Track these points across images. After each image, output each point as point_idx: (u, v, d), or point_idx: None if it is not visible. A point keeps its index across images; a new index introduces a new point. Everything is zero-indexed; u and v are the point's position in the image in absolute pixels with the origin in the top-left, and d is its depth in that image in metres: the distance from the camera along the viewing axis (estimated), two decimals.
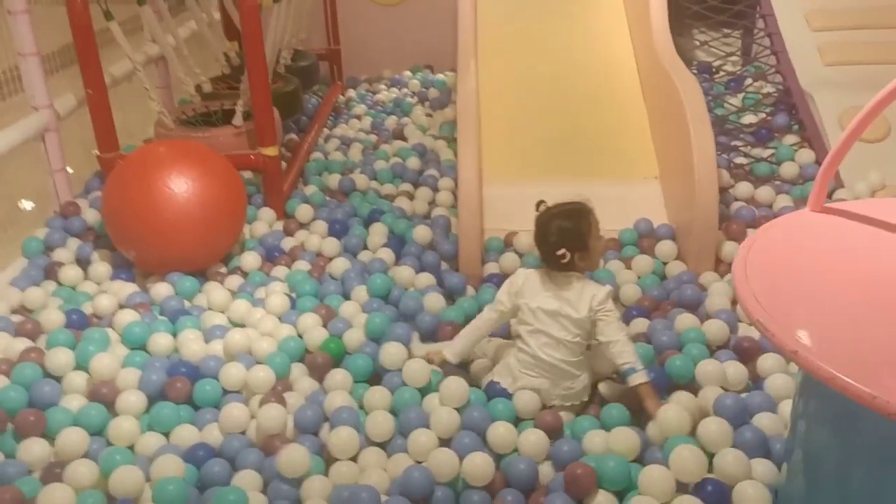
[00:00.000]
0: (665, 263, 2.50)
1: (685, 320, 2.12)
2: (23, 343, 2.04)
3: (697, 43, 3.68)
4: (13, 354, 1.99)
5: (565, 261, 1.80)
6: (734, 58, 3.66)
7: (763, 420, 1.75)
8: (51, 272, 2.48)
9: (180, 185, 2.38)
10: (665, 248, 2.52)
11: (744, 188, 2.79)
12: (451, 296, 2.35)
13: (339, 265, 2.50)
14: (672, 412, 1.69)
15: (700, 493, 1.52)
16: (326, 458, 1.74)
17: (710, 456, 1.62)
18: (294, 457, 1.66)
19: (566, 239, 1.81)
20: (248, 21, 2.60)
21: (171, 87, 3.73)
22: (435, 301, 2.27)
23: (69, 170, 2.89)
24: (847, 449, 1.23)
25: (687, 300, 2.24)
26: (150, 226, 2.37)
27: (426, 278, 2.40)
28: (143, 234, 2.39)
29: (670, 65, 2.82)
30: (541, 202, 1.88)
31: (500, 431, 1.71)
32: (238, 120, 2.91)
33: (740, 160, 2.99)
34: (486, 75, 3.06)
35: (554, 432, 1.74)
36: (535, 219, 1.88)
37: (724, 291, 2.25)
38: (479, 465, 1.61)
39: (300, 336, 2.12)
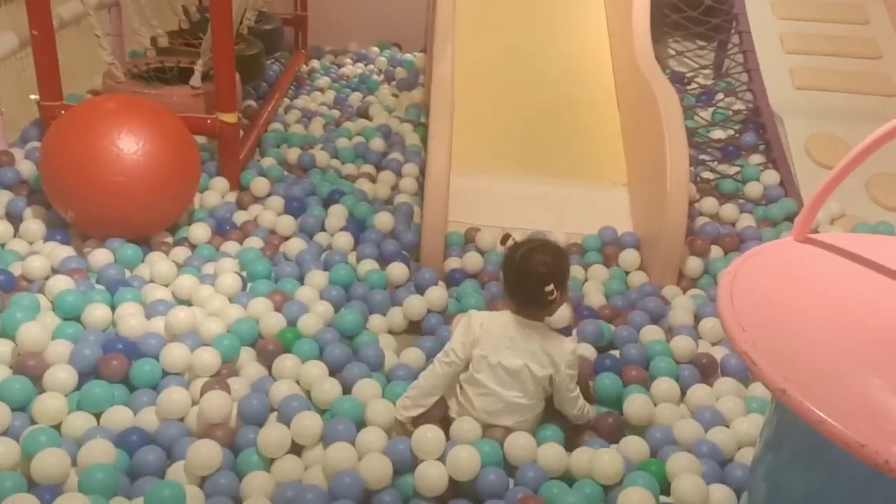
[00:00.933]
0: (627, 273, 2.48)
1: (651, 332, 2.10)
2: None
3: (672, 52, 3.68)
4: None
5: (552, 297, 1.62)
6: (706, 71, 3.67)
7: (718, 435, 1.75)
8: None
9: (130, 145, 2.22)
10: (629, 257, 2.51)
11: (709, 204, 2.80)
12: (420, 291, 2.26)
13: (295, 245, 2.39)
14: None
15: None
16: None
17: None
18: (203, 452, 1.55)
19: (552, 275, 1.63)
20: None
21: (124, 37, 3.49)
22: (416, 307, 2.15)
23: None
24: (819, 487, 1.21)
25: (650, 313, 2.22)
26: (92, 186, 2.20)
27: (399, 270, 2.30)
28: (84, 194, 2.22)
29: (650, 72, 2.79)
30: (507, 236, 1.71)
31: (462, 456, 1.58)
32: (196, 80, 2.73)
33: (706, 175, 2.99)
34: (460, 63, 2.97)
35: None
36: (505, 255, 1.72)
37: (687, 307, 2.25)
38: (434, 476, 1.55)
39: (252, 319, 2.00)
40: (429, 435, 1.60)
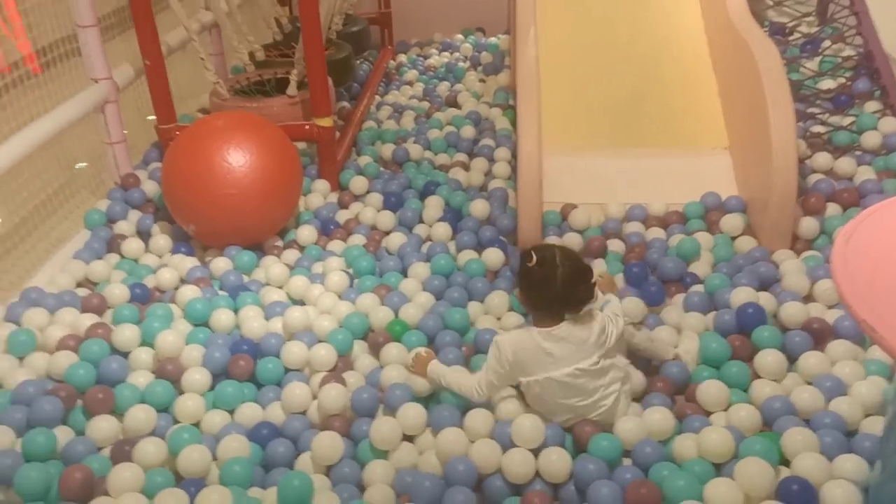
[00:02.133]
0: (733, 238, 2.39)
1: (762, 299, 2.02)
2: (89, 318, 2.07)
3: (769, 2, 3.47)
4: (80, 330, 2.02)
5: (592, 292, 1.66)
6: (809, 18, 3.43)
7: (842, 406, 1.68)
8: (113, 245, 2.51)
9: (238, 159, 2.36)
10: (731, 221, 2.41)
11: (822, 159, 2.64)
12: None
13: (395, 240, 2.47)
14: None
15: (784, 493, 1.44)
16: None
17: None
18: (325, 444, 1.64)
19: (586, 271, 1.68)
20: None
21: (225, 55, 3.70)
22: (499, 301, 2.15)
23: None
24: None
25: (760, 278, 2.13)
26: (208, 200, 2.36)
27: (496, 255, 2.32)
28: (202, 209, 2.38)
29: (744, 28, 2.65)
30: (529, 252, 1.66)
31: (552, 458, 1.59)
32: (292, 89, 2.86)
33: (817, 129, 2.82)
34: (545, 40, 2.94)
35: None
36: (523, 269, 1.67)
37: (799, 270, 2.15)
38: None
39: (361, 314, 2.09)
40: (527, 423, 1.63)
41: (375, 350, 2.00)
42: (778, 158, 2.26)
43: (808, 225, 2.35)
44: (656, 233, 2.45)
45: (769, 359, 1.81)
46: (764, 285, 2.11)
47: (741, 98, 2.66)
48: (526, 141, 2.40)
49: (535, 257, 1.64)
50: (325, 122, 2.75)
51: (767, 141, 2.30)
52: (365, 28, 3.98)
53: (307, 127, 2.76)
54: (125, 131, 2.83)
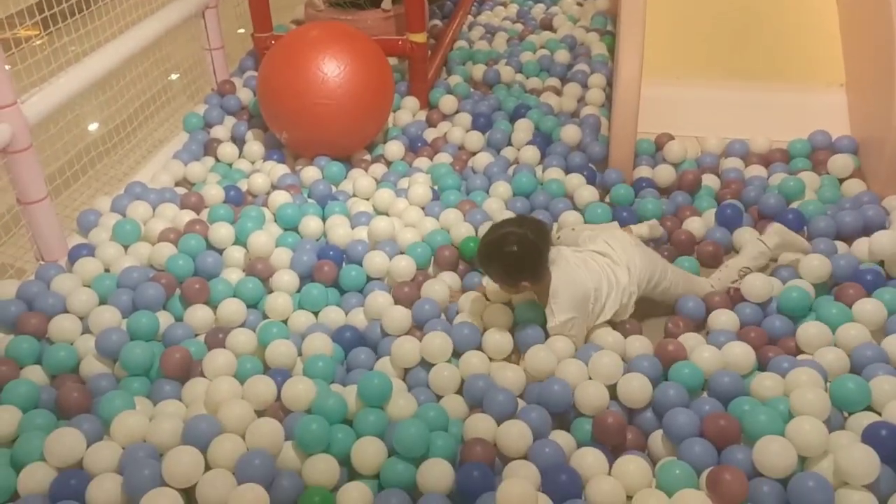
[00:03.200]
0: (841, 181, 2.26)
1: (862, 245, 1.92)
2: (188, 215, 2.17)
3: None
4: (179, 224, 2.12)
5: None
6: None
7: None
8: (209, 148, 2.59)
9: (332, 69, 2.37)
10: (841, 162, 2.28)
11: None
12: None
13: (482, 160, 2.45)
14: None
15: (870, 437, 1.40)
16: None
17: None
18: (404, 348, 1.69)
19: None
20: None
21: None
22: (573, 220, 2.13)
23: None
24: None
25: (867, 222, 2.02)
26: (301, 108, 2.39)
27: (577, 181, 2.29)
28: (295, 117, 2.42)
29: None
30: (503, 244, 1.70)
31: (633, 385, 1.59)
32: (387, 3, 2.83)
33: None
34: None
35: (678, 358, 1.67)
36: (518, 251, 1.67)
37: None
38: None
39: (444, 229, 2.11)
40: (605, 360, 1.62)
41: (441, 265, 2.02)
42: None
43: None
44: (756, 170, 2.34)
45: (868, 307, 1.73)
46: (869, 230, 2.00)
47: (866, 33, 2.46)
48: (626, 65, 2.30)
49: (514, 245, 1.67)
50: (419, 37, 2.71)
51: (891, 79, 2.14)
52: None
53: (400, 42, 2.73)
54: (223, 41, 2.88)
